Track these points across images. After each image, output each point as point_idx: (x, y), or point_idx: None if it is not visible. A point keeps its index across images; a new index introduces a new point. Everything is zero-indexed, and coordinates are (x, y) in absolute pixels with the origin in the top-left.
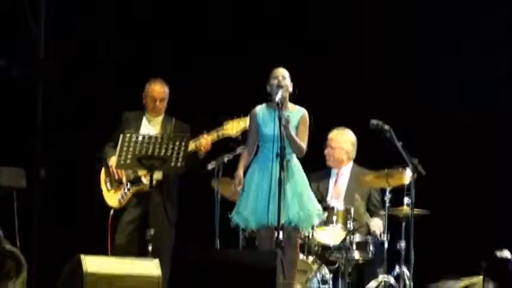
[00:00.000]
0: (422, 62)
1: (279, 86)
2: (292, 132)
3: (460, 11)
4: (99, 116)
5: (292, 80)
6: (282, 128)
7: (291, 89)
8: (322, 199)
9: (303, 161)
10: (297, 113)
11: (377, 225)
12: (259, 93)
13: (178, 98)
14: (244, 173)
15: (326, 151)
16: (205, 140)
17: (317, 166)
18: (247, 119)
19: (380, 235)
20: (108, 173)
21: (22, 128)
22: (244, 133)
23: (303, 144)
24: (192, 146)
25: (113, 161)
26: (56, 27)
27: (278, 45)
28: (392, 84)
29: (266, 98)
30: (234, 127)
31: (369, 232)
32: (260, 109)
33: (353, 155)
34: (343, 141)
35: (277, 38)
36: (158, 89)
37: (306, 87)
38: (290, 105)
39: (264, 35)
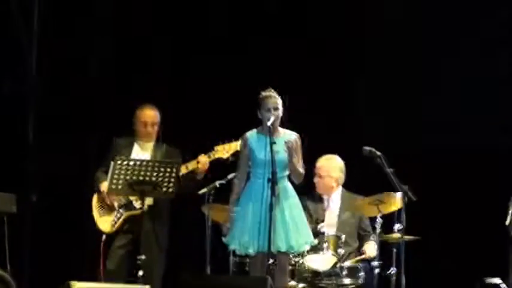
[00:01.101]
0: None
1: (271, 115)
2: (284, 160)
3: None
4: (92, 136)
5: (283, 105)
6: (274, 153)
7: (281, 115)
8: (317, 222)
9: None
10: (288, 137)
11: (372, 248)
12: (249, 117)
13: (170, 121)
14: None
15: (315, 179)
16: (205, 158)
17: (308, 190)
18: (238, 143)
19: (375, 258)
20: (100, 198)
21: (13, 150)
22: (235, 155)
23: (301, 169)
24: (192, 164)
25: (104, 186)
26: (49, 41)
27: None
28: (385, 111)
29: (257, 121)
30: (225, 150)
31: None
32: (251, 134)
33: (342, 181)
34: (331, 168)
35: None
36: (149, 113)
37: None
38: (281, 130)
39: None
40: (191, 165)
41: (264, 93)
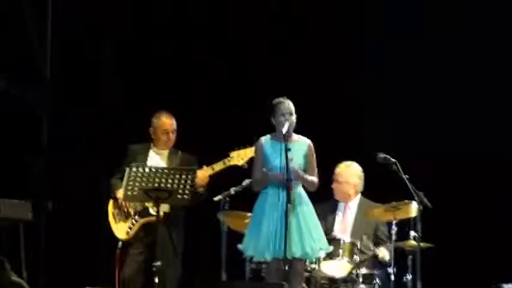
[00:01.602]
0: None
1: (286, 121)
2: (300, 166)
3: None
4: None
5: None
6: (289, 161)
7: (295, 121)
8: (328, 232)
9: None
10: (302, 144)
11: (385, 252)
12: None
13: (185, 128)
14: (253, 202)
15: (333, 185)
16: (202, 172)
17: (322, 197)
18: (253, 149)
19: (389, 261)
20: (116, 205)
21: (28, 158)
22: (250, 162)
23: (315, 177)
24: (209, 169)
25: (120, 193)
26: (63, 46)
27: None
28: (396, 118)
29: (271, 126)
30: (240, 157)
31: (376, 263)
32: (265, 140)
33: (360, 188)
34: (350, 175)
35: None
36: (169, 122)
37: (311, 120)
38: (295, 136)
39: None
40: (207, 171)
41: (277, 99)
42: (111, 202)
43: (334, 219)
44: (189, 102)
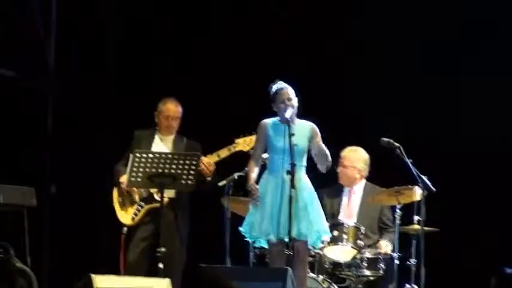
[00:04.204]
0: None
1: (287, 107)
2: (304, 149)
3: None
4: (111, 130)
5: (296, 95)
6: (292, 145)
7: (296, 105)
8: (333, 216)
9: (312, 177)
10: (306, 127)
11: (385, 245)
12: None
13: (189, 116)
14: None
15: (338, 169)
16: (206, 159)
17: (327, 183)
18: None
19: (392, 251)
20: (121, 192)
21: (32, 143)
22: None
23: (327, 155)
24: (214, 157)
25: (124, 179)
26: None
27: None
28: (401, 102)
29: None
30: (246, 143)
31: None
32: (270, 122)
33: (366, 173)
34: (355, 159)
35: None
36: (173, 108)
37: (317, 106)
38: (297, 121)
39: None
40: (212, 157)
41: (274, 87)
42: (115, 188)
43: (339, 203)
44: (194, 89)
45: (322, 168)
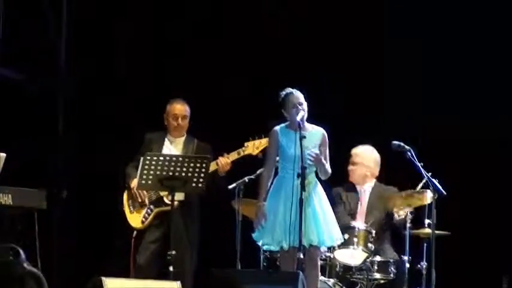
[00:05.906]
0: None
1: (299, 111)
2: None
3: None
4: (121, 133)
5: (306, 99)
6: (303, 149)
7: (306, 110)
8: (351, 212)
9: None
10: (316, 133)
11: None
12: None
13: (199, 119)
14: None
15: (349, 167)
16: (225, 159)
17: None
18: (268, 139)
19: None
20: (131, 195)
21: (43, 146)
22: (265, 151)
23: (328, 166)
24: (213, 166)
25: (134, 182)
26: (78, 40)
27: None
28: (413, 102)
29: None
30: (255, 146)
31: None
32: (280, 129)
33: (376, 173)
34: (366, 158)
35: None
36: (179, 107)
37: (327, 106)
38: (308, 125)
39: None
40: (214, 164)
41: (284, 92)
42: (126, 191)
43: (358, 198)
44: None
45: (321, 175)
